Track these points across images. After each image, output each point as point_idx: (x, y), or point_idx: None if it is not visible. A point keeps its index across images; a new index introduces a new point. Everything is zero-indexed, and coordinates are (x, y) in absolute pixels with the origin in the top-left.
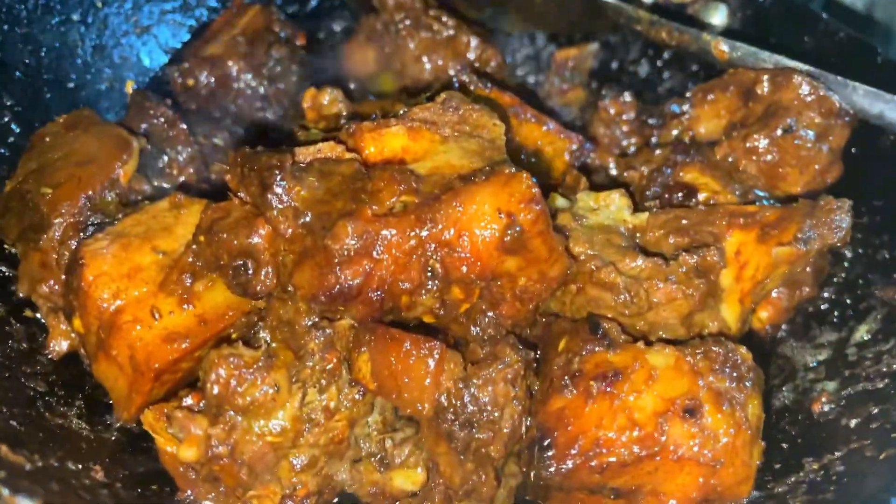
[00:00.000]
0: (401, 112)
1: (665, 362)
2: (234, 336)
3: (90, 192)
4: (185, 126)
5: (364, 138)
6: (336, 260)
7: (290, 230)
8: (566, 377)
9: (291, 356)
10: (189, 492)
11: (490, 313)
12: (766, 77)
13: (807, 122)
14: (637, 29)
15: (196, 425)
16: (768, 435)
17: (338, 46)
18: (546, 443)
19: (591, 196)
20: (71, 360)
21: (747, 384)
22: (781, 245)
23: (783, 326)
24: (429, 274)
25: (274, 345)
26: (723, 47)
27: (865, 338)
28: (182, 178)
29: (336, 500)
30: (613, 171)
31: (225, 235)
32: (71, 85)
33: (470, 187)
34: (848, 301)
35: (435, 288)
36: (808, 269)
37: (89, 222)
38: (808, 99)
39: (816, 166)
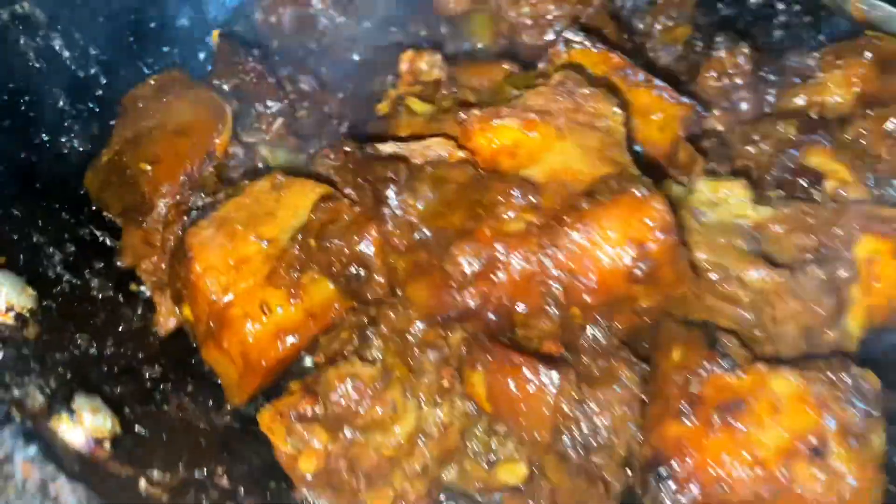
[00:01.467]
0: (512, 94)
1: (789, 390)
2: (344, 336)
3: (190, 168)
4: (273, 80)
5: (474, 131)
6: (454, 283)
7: (404, 243)
8: (684, 401)
9: (406, 371)
10: (305, 490)
11: (603, 323)
12: None
13: None
14: None
15: (316, 438)
16: None
17: None
18: (664, 472)
19: (710, 185)
20: (174, 335)
21: (874, 414)
22: None
23: None
24: (549, 300)
25: (388, 359)
26: (861, 5)
27: None
28: (270, 133)
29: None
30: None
31: (337, 241)
32: (153, 25)
33: (596, 210)
34: None
35: (555, 314)
36: None
37: (191, 204)
38: None
39: None
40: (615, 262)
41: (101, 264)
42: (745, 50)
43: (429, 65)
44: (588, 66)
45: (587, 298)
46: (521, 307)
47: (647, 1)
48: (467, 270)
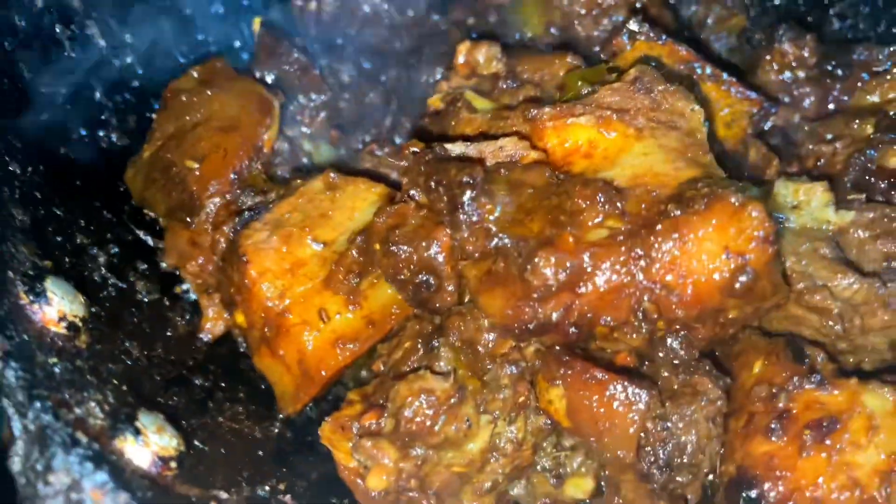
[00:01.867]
0: (584, 92)
1: (884, 407)
2: (407, 346)
3: (238, 166)
4: (318, 72)
5: (545, 129)
6: (535, 295)
7: (479, 250)
8: (773, 418)
9: (479, 384)
10: None
11: (683, 334)
12: None
13: None
14: None
15: (385, 455)
16: None
17: None
18: (755, 494)
19: (789, 188)
20: (220, 340)
21: None
22: None
23: None
24: (639, 314)
25: (461, 371)
26: None
27: None
28: (313, 126)
29: None
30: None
31: (405, 248)
32: (188, 12)
33: (690, 218)
34: None
35: (644, 329)
36: None
37: (242, 203)
38: None
39: None
40: (714, 275)
41: (145, 266)
42: (811, 42)
43: (487, 57)
44: (654, 59)
45: (679, 312)
46: (606, 320)
47: None
48: (551, 281)
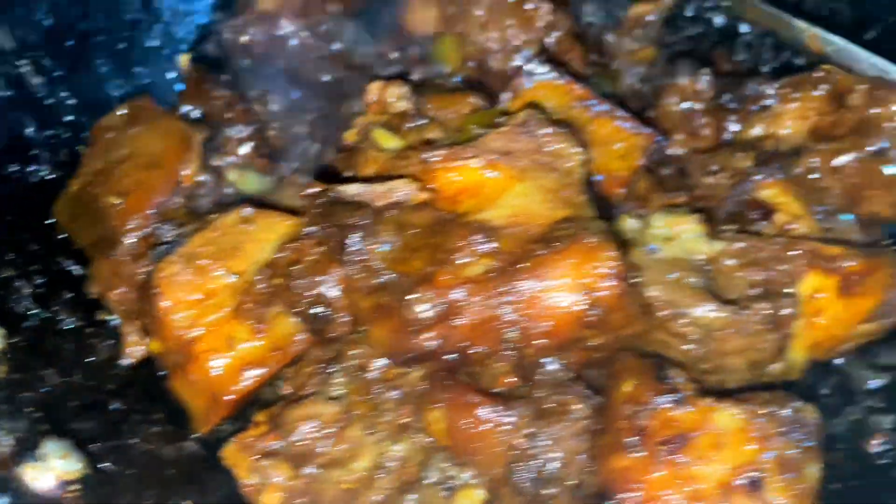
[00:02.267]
0: (474, 133)
1: (733, 425)
2: (307, 371)
3: (158, 201)
4: (243, 105)
5: (437, 171)
6: (411, 328)
7: (367, 286)
8: (632, 434)
9: (367, 408)
10: None
11: (557, 358)
12: (863, 87)
13: None
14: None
15: (278, 474)
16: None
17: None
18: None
19: (665, 220)
20: (144, 362)
21: (810, 444)
22: (864, 322)
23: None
24: (506, 343)
25: (351, 396)
26: (818, 39)
27: None
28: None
29: None
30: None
31: (302, 282)
32: (122, 46)
33: (551, 257)
34: None
35: (512, 355)
36: None
37: (159, 237)
38: None
39: None
40: (568, 309)
41: (71, 294)
42: (707, 76)
43: (396, 96)
44: (552, 97)
45: (542, 342)
46: (478, 349)
47: (615, 20)
48: (424, 316)
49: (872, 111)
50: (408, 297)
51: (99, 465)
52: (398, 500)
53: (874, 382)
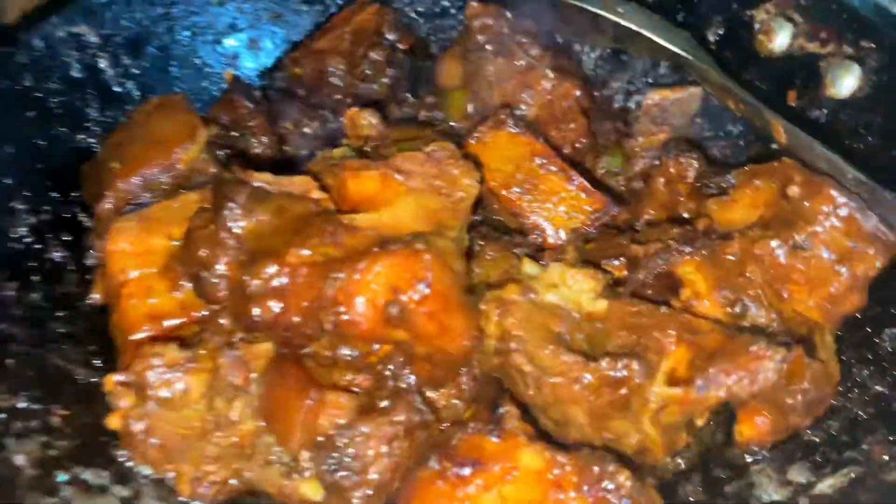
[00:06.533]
0: (392, 152)
1: (534, 465)
2: (194, 331)
3: (146, 172)
4: (263, 118)
5: (345, 177)
6: (248, 294)
7: (231, 254)
8: (436, 452)
9: (213, 365)
10: (127, 451)
11: (405, 368)
12: (799, 178)
13: (828, 240)
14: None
15: (124, 399)
16: None
17: (436, 56)
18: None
19: (559, 271)
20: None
21: None
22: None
23: (765, 450)
24: (325, 327)
25: (202, 351)
26: (781, 130)
27: (825, 490)
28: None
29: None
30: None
31: (195, 244)
32: (198, 62)
33: (378, 255)
34: (842, 441)
35: (325, 340)
36: (798, 397)
37: (138, 200)
38: (837, 215)
39: (830, 290)
40: (370, 301)
41: (70, 237)
42: (694, 163)
43: (366, 123)
44: (512, 147)
45: (352, 330)
46: (306, 329)
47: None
48: (261, 284)
49: (806, 202)
50: (253, 266)
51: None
52: (238, 464)
53: (770, 497)
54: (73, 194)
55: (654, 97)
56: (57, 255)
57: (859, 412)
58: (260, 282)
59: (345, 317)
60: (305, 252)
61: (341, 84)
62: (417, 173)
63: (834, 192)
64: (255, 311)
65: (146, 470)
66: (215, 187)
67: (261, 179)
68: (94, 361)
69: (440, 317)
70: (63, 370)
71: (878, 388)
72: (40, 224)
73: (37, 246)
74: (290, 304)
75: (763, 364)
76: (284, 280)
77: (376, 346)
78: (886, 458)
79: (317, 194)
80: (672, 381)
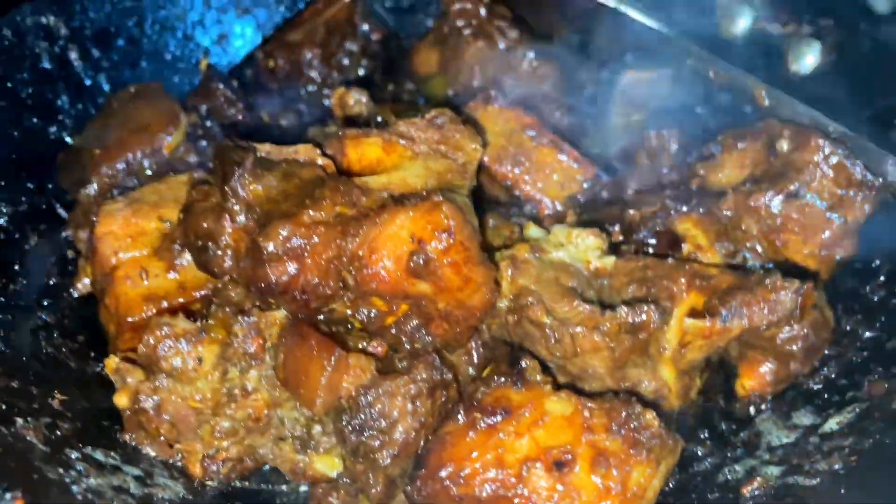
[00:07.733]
0: (392, 121)
1: (561, 411)
2: (198, 307)
3: (130, 157)
4: (241, 106)
5: (347, 145)
6: (265, 257)
7: (241, 221)
8: (464, 405)
9: (225, 334)
10: (130, 434)
11: (422, 330)
12: (787, 132)
13: (819, 188)
14: (688, 62)
15: (131, 376)
16: None
17: (409, 45)
18: (420, 462)
19: (564, 231)
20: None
21: (642, 450)
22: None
23: (768, 399)
24: (341, 284)
25: (212, 322)
26: (763, 94)
27: (833, 428)
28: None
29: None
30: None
31: (197, 217)
32: (168, 57)
33: (397, 209)
34: (841, 384)
35: (347, 298)
36: (798, 343)
37: (122, 184)
38: (826, 164)
39: (823, 237)
40: (394, 253)
41: (45, 227)
42: (673, 133)
43: (355, 101)
44: (504, 120)
45: (374, 286)
46: (323, 290)
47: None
48: (278, 247)
49: (795, 154)
50: (267, 229)
51: None
52: (250, 439)
53: (780, 441)
54: (48, 185)
55: (628, 78)
56: (35, 244)
57: (853, 357)
58: (276, 243)
59: (369, 270)
60: (320, 213)
61: (318, 75)
62: (421, 138)
63: (822, 142)
64: (271, 274)
65: (153, 451)
66: (218, 155)
67: (263, 149)
68: (84, 351)
69: (463, 268)
70: (55, 358)
71: (869, 333)
72: (17, 214)
73: (16, 236)
74: (308, 265)
75: (780, 295)
76: (300, 241)
77: (394, 307)
78: (886, 386)
79: (321, 160)
80: (696, 315)
